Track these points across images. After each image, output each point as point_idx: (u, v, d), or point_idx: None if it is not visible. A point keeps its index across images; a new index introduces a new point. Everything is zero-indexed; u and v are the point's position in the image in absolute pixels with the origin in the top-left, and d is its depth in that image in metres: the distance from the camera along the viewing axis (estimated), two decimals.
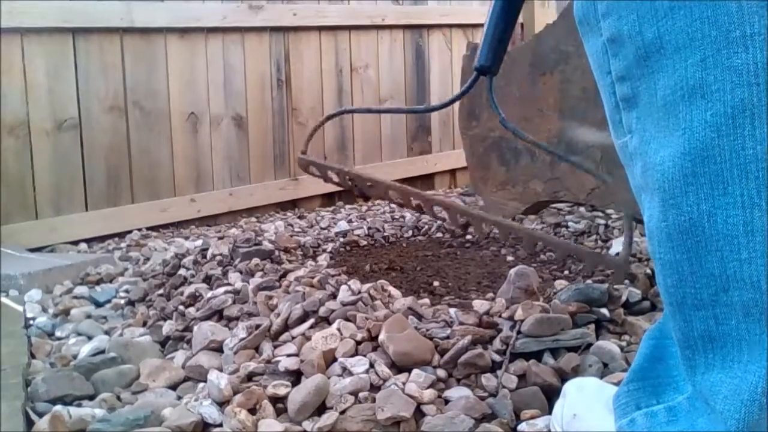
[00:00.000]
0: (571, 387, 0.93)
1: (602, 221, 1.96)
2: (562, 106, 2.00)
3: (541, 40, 2.07)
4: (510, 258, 1.80)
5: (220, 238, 2.14)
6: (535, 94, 2.09)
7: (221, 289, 1.40)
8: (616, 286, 1.29)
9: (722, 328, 0.55)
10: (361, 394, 1.02)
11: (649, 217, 0.59)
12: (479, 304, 1.24)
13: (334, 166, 1.79)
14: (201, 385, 1.11)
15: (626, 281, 1.36)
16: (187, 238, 2.37)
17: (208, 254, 1.70)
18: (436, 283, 1.56)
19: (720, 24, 0.49)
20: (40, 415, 1.01)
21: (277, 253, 1.66)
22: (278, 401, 1.02)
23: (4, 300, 1.57)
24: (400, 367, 1.08)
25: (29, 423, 1.00)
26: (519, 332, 1.11)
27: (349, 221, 2.38)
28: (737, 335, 0.54)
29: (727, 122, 0.49)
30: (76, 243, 2.29)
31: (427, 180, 3.33)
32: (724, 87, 0.49)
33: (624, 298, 1.26)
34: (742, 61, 0.48)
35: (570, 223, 1.95)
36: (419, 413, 0.99)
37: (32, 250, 2.14)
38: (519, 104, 2.16)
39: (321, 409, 1.00)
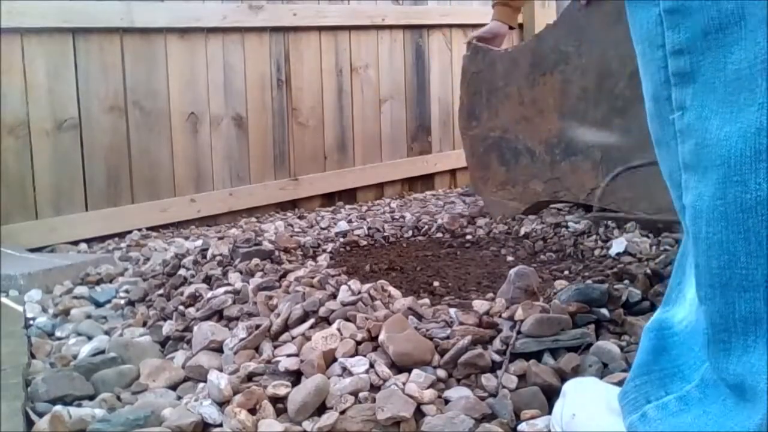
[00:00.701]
0: (570, 387, 0.93)
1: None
2: (562, 107, 2.01)
3: (541, 40, 2.07)
4: (510, 258, 1.80)
5: (220, 239, 2.15)
6: (535, 94, 2.09)
7: (221, 290, 1.40)
8: (616, 287, 1.29)
9: None
10: (361, 394, 1.02)
11: (697, 196, 0.58)
12: (479, 304, 1.24)
13: None
14: (201, 385, 1.11)
15: (626, 281, 1.36)
16: (187, 238, 2.37)
17: (208, 254, 1.70)
18: (436, 283, 1.56)
19: None
20: (40, 415, 1.01)
21: (277, 253, 1.66)
22: (278, 401, 1.02)
23: (4, 300, 1.57)
24: (400, 367, 1.08)
25: (29, 423, 1.00)
26: (519, 332, 1.11)
27: (349, 221, 2.38)
28: None
29: None
30: (76, 243, 2.29)
31: (427, 180, 3.33)
32: None
33: (624, 298, 1.26)
34: None
35: (570, 223, 1.95)
36: (419, 413, 0.99)
37: (32, 250, 2.14)
38: (520, 105, 2.16)
39: (321, 409, 1.00)
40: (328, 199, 3.00)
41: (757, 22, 0.52)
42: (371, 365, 1.08)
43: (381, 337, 1.12)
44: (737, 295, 0.56)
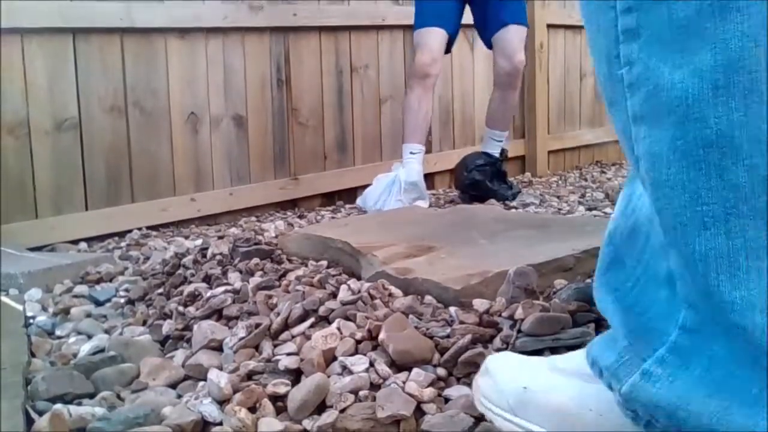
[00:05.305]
0: (495, 363, 0.88)
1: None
2: None
3: None
4: None
5: (220, 238, 2.15)
6: None
7: (221, 289, 1.40)
8: None
9: (734, 242, 0.55)
10: (361, 393, 1.02)
11: (654, 142, 0.58)
12: (479, 303, 1.24)
13: None
14: (201, 383, 1.11)
15: None
16: (187, 238, 2.37)
17: (208, 253, 1.70)
18: None
19: None
20: (40, 413, 1.01)
21: (277, 252, 1.66)
22: (278, 400, 1.02)
23: (4, 299, 1.57)
24: (400, 366, 1.08)
25: (29, 421, 1.00)
26: (519, 331, 1.11)
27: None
28: (754, 245, 0.55)
29: (763, 32, 0.51)
30: (76, 242, 2.29)
31: (426, 179, 3.33)
32: (761, 2, 0.51)
33: None
34: None
35: None
36: (419, 412, 0.99)
37: (32, 249, 2.14)
38: None
39: (321, 407, 1.00)
40: (328, 198, 3.01)
41: None
42: (371, 364, 1.08)
43: (381, 336, 1.12)
44: (698, 233, 0.57)
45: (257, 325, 1.21)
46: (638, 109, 0.60)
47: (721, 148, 0.54)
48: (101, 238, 2.35)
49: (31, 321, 1.50)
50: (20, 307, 1.53)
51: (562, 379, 0.80)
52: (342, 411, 0.98)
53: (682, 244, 0.58)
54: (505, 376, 0.86)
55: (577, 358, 0.82)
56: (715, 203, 0.55)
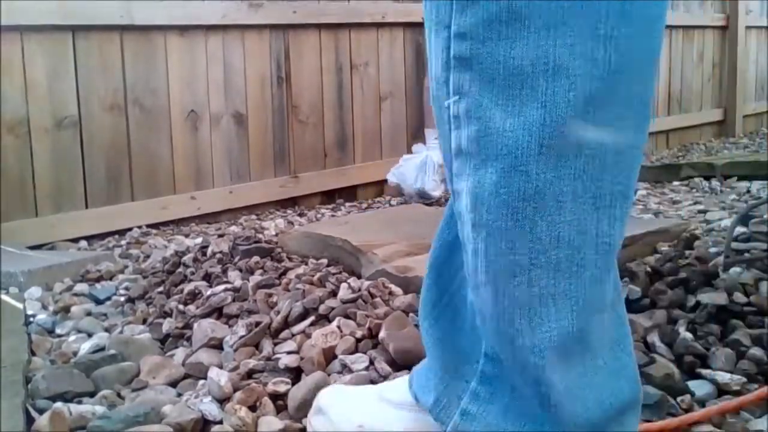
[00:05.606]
0: (326, 400, 0.90)
1: None
2: None
3: None
4: None
5: (220, 236, 2.15)
6: None
7: (221, 287, 1.40)
8: None
9: (533, 290, 0.60)
10: None
11: (477, 184, 0.59)
12: None
13: None
14: (201, 382, 1.11)
15: (625, 279, 1.36)
16: (187, 236, 2.37)
17: (208, 252, 1.70)
18: None
19: (590, 19, 0.54)
20: (41, 412, 1.01)
21: (277, 250, 1.66)
22: (278, 398, 1.02)
23: (5, 297, 1.57)
24: (400, 364, 1.08)
25: (29, 420, 1.00)
26: None
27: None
28: (547, 292, 0.60)
29: (583, 105, 0.55)
30: (76, 240, 2.29)
31: None
32: (585, 74, 0.55)
33: (624, 296, 1.26)
34: (600, 57, 0.55)
35: None
36: None
37: (32, 248, 2.14)
38: None
39: None
40: (329, 196, 3.00)
41: (542, 24, 0.55)
42: (371, 362, 1.08)
43: (381, 335, 1.12)
44: (508, 281, 0.60)
45: (257, 324, 1.21)
46: (464, 144, 0.60)
47: (535, 203, 0.58)
48: (101, 236, 2.35)
49: (32, 319, 1.50)
50: (20, 306, 1.53)
51: (393, 412, 0.83)
52: None
53: (492, 289, 0.61)
54: (339, 413, 0.87)
55: (403, 387, 0.84)
56: (524, 254, 0.59)
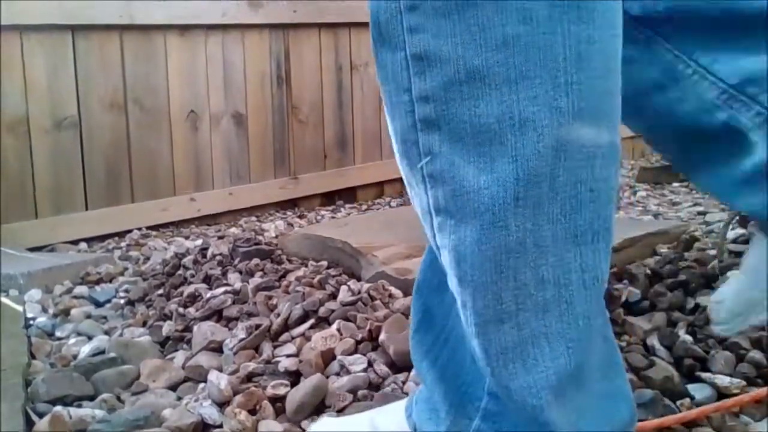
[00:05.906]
0: None
1: None
2: None
3: None
4: None
5: (220, 238, 2.15)
6: None
7: (221, 289, 1.40)
8: (615, 286, 1.29)
9: (523, 332, 0.60)
10: (359, 392, 1.02)
11: (458, 241, 0.60)
12: None
13: None
14: (201, 385, 1.11)
15: (625, 281, 1.35)
16: (187, 238, 2.37)
17: (208, 254, 1.70)
18: None
19: (549, 69, 0.55)
20: (41, 415, 1.01)
21: (277, 252, 1.66)
22: (278, 401, 1.02)
23: (4, 300, 1.57)
24: (400, 366, 1.08)
25: (29, 423, 1.00)
26: None
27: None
28: (539, 332, 0.60)
29: (553, 154, 0.56)
30: (75, 242, 2.29)
31: None
32: (552, 123, 0.56)
33: (623, 298, 1.25)
34: (564, 105, 0.56)
35: None
36: None
37: (32, 250, 2.14)
38: None
39: (320, 408, 1.01)
40: (328, 198, 3.00)
41: (502, 80, 0.55)
42: (370, 364, 1.08)
43: (381, 337, 1.12)
44: (497, 328, 0.61)
45: (257, 327, 1.21)
46: (442, 203, 0.61)
47: (517, 253, 0.59)
48: (101, 238, 2.35)
49: (31, 322, 1.50)
50: (20, 308, 1.53)
51: None
52: (340, 411, 0.98)
53: (483, 339, 0.62)
54: None
55: (396, 416, 0.84)
56: (510, 301, 0.60)
